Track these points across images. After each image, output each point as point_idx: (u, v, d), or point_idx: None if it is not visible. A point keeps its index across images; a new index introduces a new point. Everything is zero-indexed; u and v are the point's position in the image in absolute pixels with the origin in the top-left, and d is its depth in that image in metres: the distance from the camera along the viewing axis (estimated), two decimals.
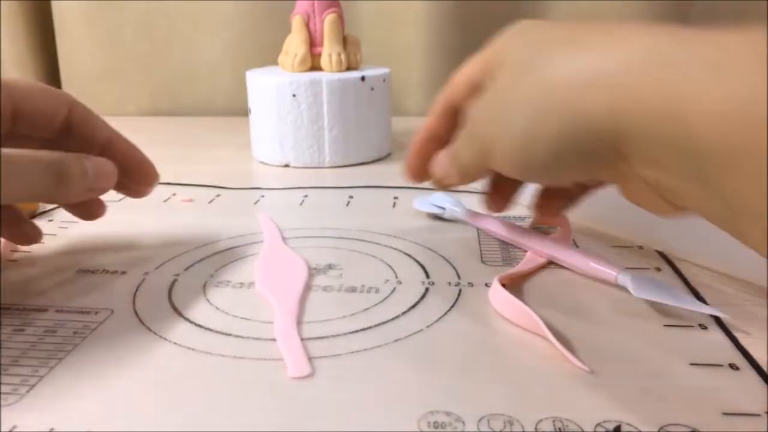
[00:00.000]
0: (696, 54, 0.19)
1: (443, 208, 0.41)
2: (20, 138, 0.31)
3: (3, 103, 0.29)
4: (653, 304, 0.28)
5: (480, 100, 0.26)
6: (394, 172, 0.53)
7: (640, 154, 0.21)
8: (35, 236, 0.34)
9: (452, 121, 0.30)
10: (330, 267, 0.33)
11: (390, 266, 0.33)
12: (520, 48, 0.25)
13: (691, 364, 0.24)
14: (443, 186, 0.32)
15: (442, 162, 0.31)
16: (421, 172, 0.33)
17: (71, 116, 0.32)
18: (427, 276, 0.32)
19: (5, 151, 0.26)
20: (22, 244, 0.35)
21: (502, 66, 0.25)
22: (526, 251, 0.34)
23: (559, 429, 0.20)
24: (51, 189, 0.28)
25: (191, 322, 0.27)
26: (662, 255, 0.34)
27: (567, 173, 0.24)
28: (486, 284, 0.31)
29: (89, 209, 0.34)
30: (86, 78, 0.83)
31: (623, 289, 0.29)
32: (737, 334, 0.26)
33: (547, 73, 0.23)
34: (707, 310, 0.27)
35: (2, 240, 0.35)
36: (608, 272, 0.30)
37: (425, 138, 0.32)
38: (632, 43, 0.21)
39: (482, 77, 0.27)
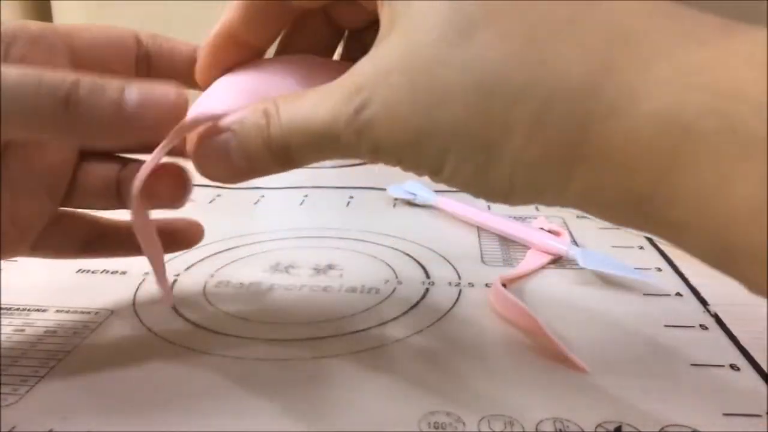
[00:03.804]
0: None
1: (415, 195, 0.43)
2: None
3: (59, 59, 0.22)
4: (654, 304, 0.28)
5: (377, 56, 0.17)
6: (394, 172, 0.53)
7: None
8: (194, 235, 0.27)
9: (264, 15, 0.21)
10: (330, 267, 0.33)
11: (390, 266, 0.33)
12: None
13: (692, 364, 0.24)
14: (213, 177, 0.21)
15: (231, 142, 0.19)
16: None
17: (142, 53, 0.25)
18: (427, 276, 0.32)
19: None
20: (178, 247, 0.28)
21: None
22: (525, 251, 0.34)
23: (560, 429, 0.20)
24: (58, 116, 0.19)
25: (191, 322, 0.27)
26: (663, 255, 0.34)
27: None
28: (486, 284, 0.31)
29: (175, 237, 0.27)
30: None
31: (621, 288, 0.29)
32: (738, 335, 0.26)
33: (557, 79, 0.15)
34: (645, 276, 0.30)
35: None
36: (560, 246, 0.33)
37: (218, 40, 0.22)
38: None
39: None
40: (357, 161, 0.55)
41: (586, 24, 0.15)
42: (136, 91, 0.19)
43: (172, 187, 0.24)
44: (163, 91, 0.20)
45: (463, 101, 0.16)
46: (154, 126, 0.20)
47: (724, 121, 0.13)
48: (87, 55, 0.23)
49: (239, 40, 0.22)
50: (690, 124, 0.13)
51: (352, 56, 0.19)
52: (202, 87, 0.23)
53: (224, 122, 0.20)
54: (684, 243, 0.15)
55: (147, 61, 0.25)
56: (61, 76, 0.19)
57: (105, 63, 0.23)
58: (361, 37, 0.24)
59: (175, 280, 0.32)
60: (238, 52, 0.22)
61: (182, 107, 0.20)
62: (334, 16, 0.23)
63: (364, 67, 0.18)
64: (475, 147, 0.16)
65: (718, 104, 0.13)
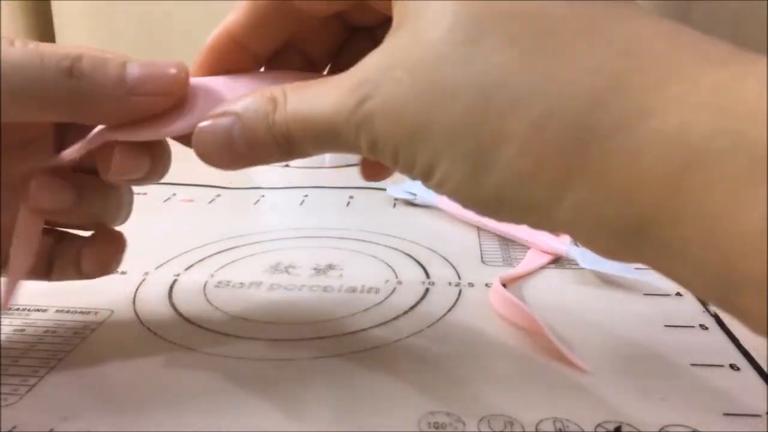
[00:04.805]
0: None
1: (414, 195, 0.42)
2: None
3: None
4: (654, 304, 0.28)
5: (384, 51, 0.17)
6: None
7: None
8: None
9: (272, 19, 0.21)
10: (330, 267, 0.33)
11: (390, 266, 0.33)
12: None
13: (692, 364, 0.24)
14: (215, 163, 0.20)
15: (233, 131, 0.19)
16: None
17: None
18: (427, 276, 0.32)
19: None
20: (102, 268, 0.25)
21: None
22: (525, 251, 0.34)
23: (560, 429, 0.20)
24: (61, 88, 0.19)
25: (191, 322, 0.27)
26: None
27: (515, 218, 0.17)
28: (486, 284, 0.31)
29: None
30: None
31: (621, 288, 0.29)
32: (738, 335, 0.26)
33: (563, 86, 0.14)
34: (645, 276, 0.30)
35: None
36: (560, 246, 0.33)
37: (219, 41, 0.22)
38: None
39: None
40: (358, 161, 0.55)
41: (600, 38, 0.15)
42: (137, 66, 0.20)
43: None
44: (164, 65, 0.20)
45: (462, 102, 0.15)
46: (154, 100, 0.20)
47: (735, 141, 0.12)
48: None
49: (241, 44, 0.22)
50: (700, 143, 0.13)
51: (363, 53, 0.19)
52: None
53: (227, 107, 0.19)
54: (683, 272, 0.14)
55: None
56: (64, 52, 0.19)
57: None
58: (374, 35, 0.23)
59: (175, 280, 0.32)
60: (238, 57, 0.22)
61: (182, 81, 0.20)
62: (346, 17, 0.23)
63: (370, 61, 0.17)
64: (467, 151, 0.16)
65: (730, 124, 0.13)
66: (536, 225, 0.17)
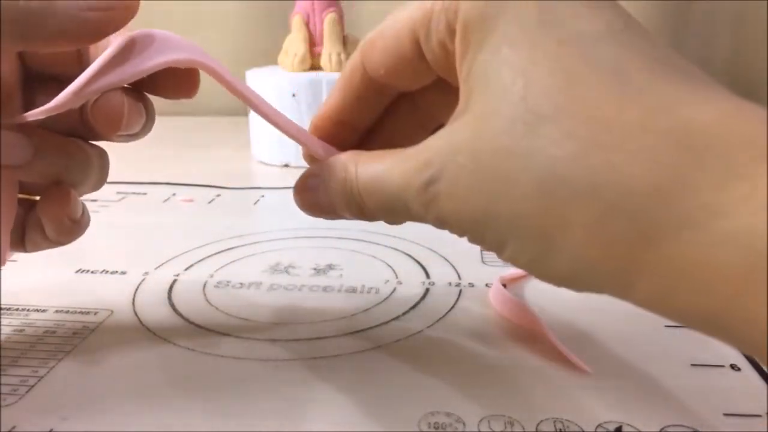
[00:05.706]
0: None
1: None
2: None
3: None
4: None
5: (449, 134, 0.18)
6: None
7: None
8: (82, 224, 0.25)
9: (365, 101, 0.23)
10: (330, 267, 0.33)
11: (390, 266, 0.33)
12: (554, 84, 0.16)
13: (692, 364, 0.24)
14: (307, 208, 0.23)
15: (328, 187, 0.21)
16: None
17: None
18: (428, 276, 0.32)
19: None
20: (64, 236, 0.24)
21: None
22: None
23: (560, 430, 0.20)
24: (13, 7, 0.19)
25: (191, 322, 0.27)
26: None
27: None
28: (486, 284, 0.31)
29: (173, 82, 0.22)
30: None
31: None
32: None
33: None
34: None
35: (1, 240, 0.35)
36: None
37: (321, 121, 0.24)
38: None
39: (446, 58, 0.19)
40: None
41: (657, 130, 0.15)
42: None
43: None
44: None
45: (524, 192, 0.16)
46: (110, 15, 0.20)
47: None
48: None
49: (340, 121, 0.23)
50: (765, 249, 0.13)
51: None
52: (308, 162, 0.23)
53: (316, 169, 0.22)
54: (755, 355, 0.15)
55: None
56: None
57: None
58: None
59: (175, 280, 0.32)
60: (339, 132, 0.23)
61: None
62: (421, 105, 0.23)
63: (436, 141, 0.18)
64: (533, 236, 0.16)
65: None
66: (616, 297, 0.17)
